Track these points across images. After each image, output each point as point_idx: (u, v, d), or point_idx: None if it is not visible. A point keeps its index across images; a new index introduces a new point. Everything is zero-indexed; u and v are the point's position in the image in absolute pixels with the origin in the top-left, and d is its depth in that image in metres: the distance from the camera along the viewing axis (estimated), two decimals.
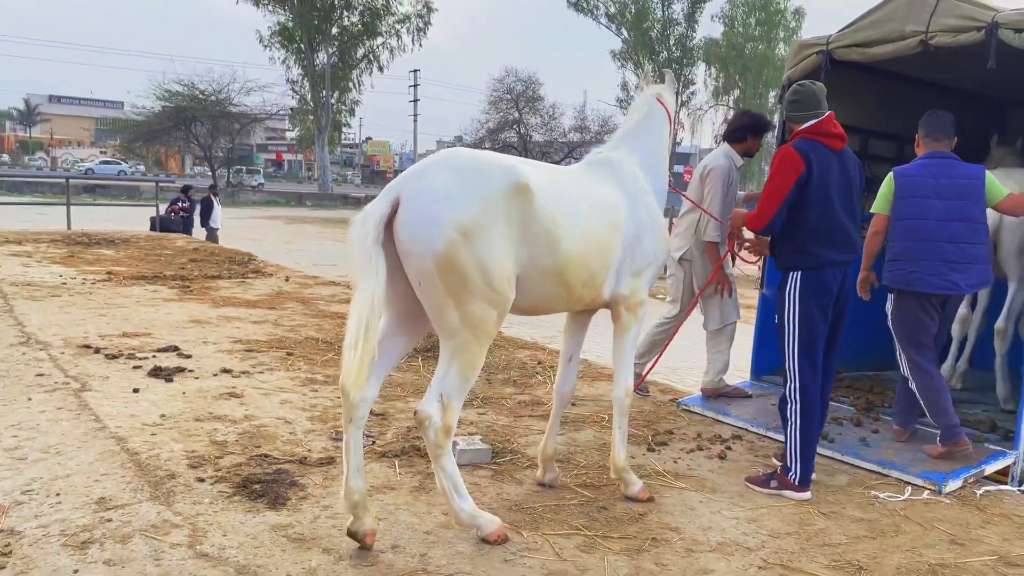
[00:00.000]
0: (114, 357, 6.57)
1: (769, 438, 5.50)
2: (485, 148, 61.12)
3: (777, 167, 4.44)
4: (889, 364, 7.04)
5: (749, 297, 9.01)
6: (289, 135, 58.03)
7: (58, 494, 3.96)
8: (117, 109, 57.67)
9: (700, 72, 63.50)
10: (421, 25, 45.51)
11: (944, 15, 5.24)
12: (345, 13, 44.26)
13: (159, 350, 6.90)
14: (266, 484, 4.19)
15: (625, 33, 58.84)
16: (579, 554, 3.68)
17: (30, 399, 5.41)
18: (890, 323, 5.27)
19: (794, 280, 4.47)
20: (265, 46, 44.29)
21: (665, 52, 62.26)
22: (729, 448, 5.30)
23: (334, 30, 44.18)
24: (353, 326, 3.31)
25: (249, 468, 4.42)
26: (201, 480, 4.23)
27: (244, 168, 59.61)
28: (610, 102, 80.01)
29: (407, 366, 7.00)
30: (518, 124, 58.10)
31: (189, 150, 41.18)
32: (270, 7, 43.13)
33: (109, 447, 4.63)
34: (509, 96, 59.24)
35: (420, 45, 45.79)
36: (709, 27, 57.79)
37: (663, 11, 58.62)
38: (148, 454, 4.54)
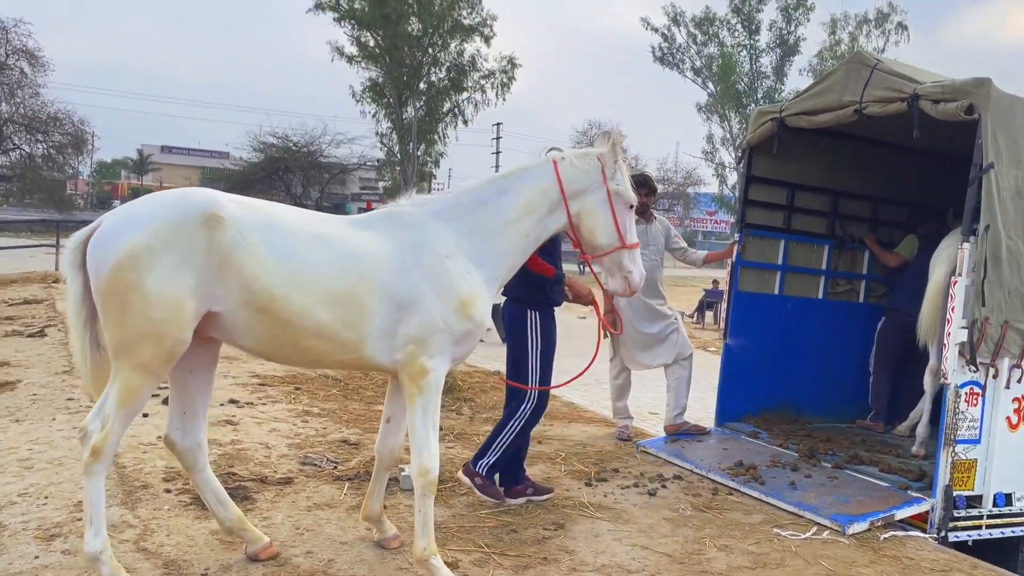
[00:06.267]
0: None
1: (709, 478, 5.82)
2: None
3: None
4: (857, 416, 7.28)
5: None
6: (381, 184, 60.28)
7: (47, 497, 4.68)
8: (223, 158, 61.04)
9: None
10: (505, 80, 46.85)
11: (875, 87, 5.62)
12: (432, 69, 46.19)
13: None
14: None
15: (711, 87, 59.17)
16: (471, 567, 4.15)
17: (54, 419, 6.23)
18: None
19: (534, 317, 5.13)
20: (357, 100, 46.61)
21: (753, 105, 62.20)
22: (664, 486, 5.65)
23: (421, 85, 46.08)
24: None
25: None
26: (168, 491, 4.89)
27: None
28: (695, 154, 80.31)
29: None
30: None
31: (283, 198, 43.41)
32: (363, 64, 45.47)
33: None
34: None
35: (504, 99, 47.09)
36: (798, 80, 57.30)
37: (751, 64, 58.87)
38: (133, 468, 5.24)
